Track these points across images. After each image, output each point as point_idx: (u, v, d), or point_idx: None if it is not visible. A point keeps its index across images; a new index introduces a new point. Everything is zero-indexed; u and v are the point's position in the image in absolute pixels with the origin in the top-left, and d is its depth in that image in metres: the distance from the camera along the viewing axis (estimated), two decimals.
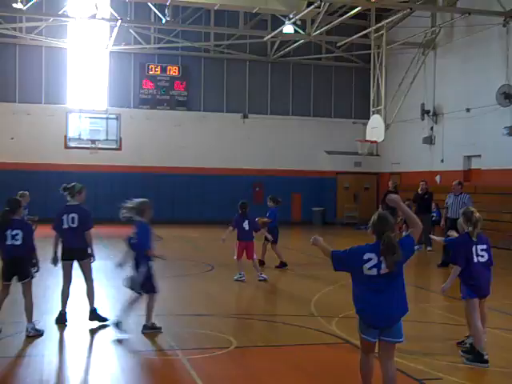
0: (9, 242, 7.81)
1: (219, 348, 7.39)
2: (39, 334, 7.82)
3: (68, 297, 8.70)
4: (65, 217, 8.57)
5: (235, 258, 12.46)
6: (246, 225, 12.36)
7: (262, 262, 14.35)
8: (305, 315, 9.31)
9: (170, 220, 25.61)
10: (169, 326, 8.46)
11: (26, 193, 12.93)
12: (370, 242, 5.24)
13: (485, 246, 7.13)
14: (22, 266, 7.88)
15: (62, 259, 8.63)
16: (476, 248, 7.05)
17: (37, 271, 8.06)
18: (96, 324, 8.53)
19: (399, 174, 27.37)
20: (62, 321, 8.52)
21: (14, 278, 7.94)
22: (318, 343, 7.85)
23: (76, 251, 8.61)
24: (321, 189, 29.13)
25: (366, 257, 5.11)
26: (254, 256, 12.52)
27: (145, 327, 8.14)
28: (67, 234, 8.57)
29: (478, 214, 7.13)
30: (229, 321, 8.90)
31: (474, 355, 6.94)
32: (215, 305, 10.73)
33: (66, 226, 8.56)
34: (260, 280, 12.27)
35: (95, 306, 8.70)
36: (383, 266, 5.08)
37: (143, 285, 8.07)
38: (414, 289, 12.89)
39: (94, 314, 8.62)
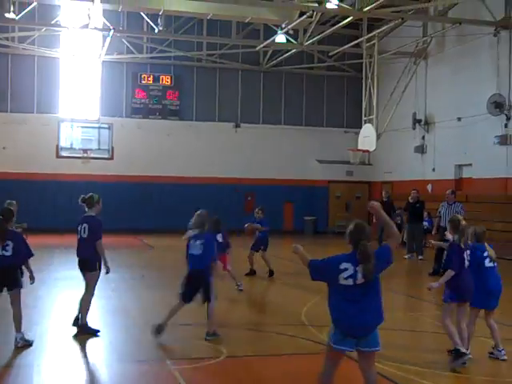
0: None
1: (209, 358, 7.38)
2: (28, 344, 7.76)
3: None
4: (79, 227, 8.66)
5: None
6: (219, 237, 12.29)
7: (253, 272, 14.35)
8: (295, 324, 9.30)
9: (161, 229, 25.55)
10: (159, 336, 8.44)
11: (13, 202, 12.85)
12: (347, 252, 5.22)
13: (469, 252, 7.34)
14: (11, 276, 7.83)
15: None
16: (466, 254, 7.27)
17: (32, 283, 8.02)
18: (86, 333, 8.48)
19: (391, 183, 27.42)
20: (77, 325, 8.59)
21: (4, 289, 7.89)
22: (308, 353, 7.83)
23: (84, 262, 8.64)
24: (312, 198, 29.13)
25: (342, 266, 5.10)
26: (229, 267, 12.38)
27: (208, 334, 8.32)
28: (79, 244, 8.67)
29: (464, 222, 7.25)
30: (219, 330, 8.86)
31: (454, 354, 7.05)
32: (206, 314, 10.70)
33: (79, 236, 8.65)
34: (239, 290, 12.28)
35: (86, 320, 8.59)
36: (359, 276, 5.08)
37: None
38: (405, 298, 12.91)
39: (84, 329, 8.51)
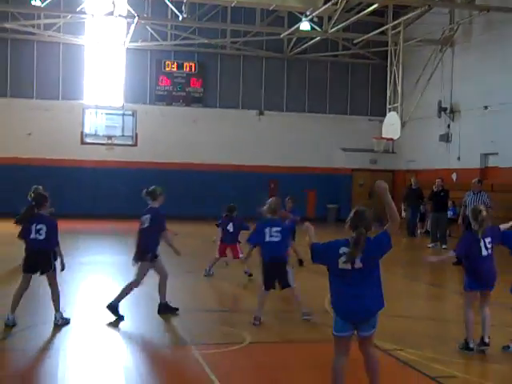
0: (32, 236, 8.02)
1: (233, 343, 7.41)
2: (66, 322, 8.08)
3: (164, 290, 8.93)
4: (143, 218, 8.86)
5: (216, 256, 12.37)
6: (230, 227, 12.18)
7: None
8: (318, 311, 9.28)
9: (185, 216, 25.64)
10: (183, 322, 8.52)
11: (40, 187, 13.03)
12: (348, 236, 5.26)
13: (490, 239, 7.27)
14: (44, 260, 8.05)
15: None
16: (484, 242, 7.23)
17: (62, 269, 8.17)
18: (111, 318, 8.55)
19: (415, 172, 27.19)
20: (163, 310, 8.87)
21: (38, 272, 8.15)
22: (331, 340, 7.81)
23: (138, 250, 8.84)
24: (336, 186, 29.03)
25: (341, 251, 5.18)
26: (241, 255, 12.17)
27: (304, 314, 8.64)
28: (139, 233, 8.88)
29: (484, 213, 7.24)
30: (243, 316, 8.91)
31: (464, 343, 7.25)
32: (229, 300, 10.77)
33: (141, 226, 8.85)
34: (248, 275, 12.16)
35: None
36: (357, 260, 5.13)
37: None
38: (428, 287, 12.87)
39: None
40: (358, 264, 5.13)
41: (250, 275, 12.15)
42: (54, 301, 8.14)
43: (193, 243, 18.37)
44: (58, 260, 8.13)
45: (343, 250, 5.16)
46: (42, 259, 8.04)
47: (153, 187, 9.04)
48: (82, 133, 27.23)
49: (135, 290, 8.98)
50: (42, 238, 7.97)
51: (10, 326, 7.87)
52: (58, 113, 26.63)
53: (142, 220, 8.84)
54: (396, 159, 29.15)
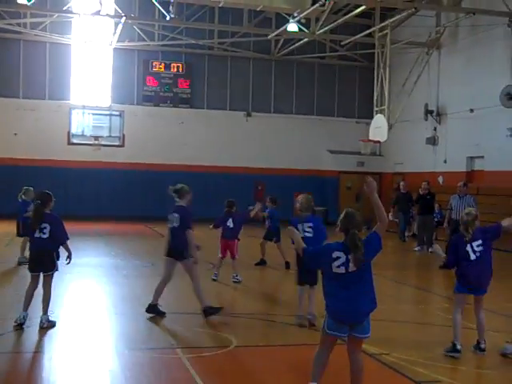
0: (37, 235, 8.06)
1: (219, 347, 7.40)
2: (52, 325, 8.04)
3: (161, 292, 8.94)
4: (170, 216, 8.89)
5: (219, 255, 12.27)
6: (229, 223, 12.13)
7: (263, 262, 14.30)
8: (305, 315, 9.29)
9: None
10: (169, 325, 8.50)
11: (31, 189, 13.02)
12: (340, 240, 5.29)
13: (480, 242, 7.27)
14: (47, 259, 8.07)
15: (165, 255, 9.00)
16: (471, 246, 7.24)
17: (68, 263, 8.23)
18: (99, 320, 8.52)
19: (402, 175, 27.31)
20: (151, 311, 8.82)
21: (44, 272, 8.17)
22: (318, 343, 7.82)
23: (173, 250, 8.88)
24: (323, 188, 29.06)
25: (334, 255, 5.20)
26: (237, 255, 12.24)
27: (310, 314, 8.63)
28: (171, 232, 8.92)
29: (466, 218, 7.32)
30: (229, 320, 8.90)
31: (451, 345, 7.22)
32: (216, 303, 10.72)
33: (170, 225, 8.91)
34: (234, 281, 12.02)
35: (207, 303, 8.91)
36: (351, 264, 5.16)
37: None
38: (414, 290, 12.91)
39: (208, 311, 8.78)
40: (352, 267, 5.16)
41: (238, 282, 12.07)
42: (43, 302, 8.08)
43: None
44: (64, 257, 8.17)
45: (336, 254, 5.18)
46: (46, 258, 8.06)
47: (180, 185, 9.03)
48: (68, 133, 27.10)
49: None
50: (45, 236, 8.01)
51: (20, 322, 7.87)
52: (44, 113, 26.50)
53: (170, 218, 8.87)
54: (383, 162, 29.26)
